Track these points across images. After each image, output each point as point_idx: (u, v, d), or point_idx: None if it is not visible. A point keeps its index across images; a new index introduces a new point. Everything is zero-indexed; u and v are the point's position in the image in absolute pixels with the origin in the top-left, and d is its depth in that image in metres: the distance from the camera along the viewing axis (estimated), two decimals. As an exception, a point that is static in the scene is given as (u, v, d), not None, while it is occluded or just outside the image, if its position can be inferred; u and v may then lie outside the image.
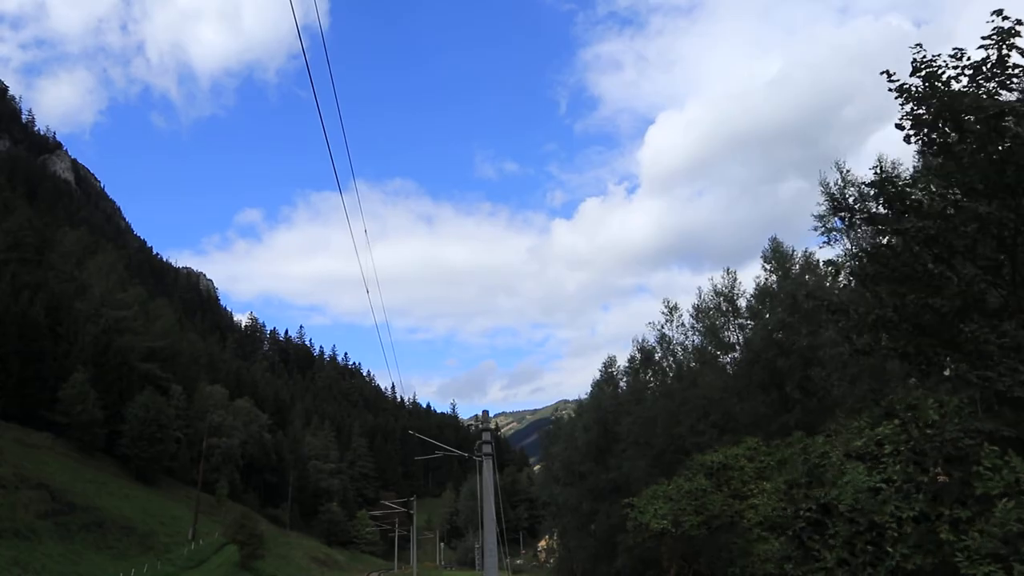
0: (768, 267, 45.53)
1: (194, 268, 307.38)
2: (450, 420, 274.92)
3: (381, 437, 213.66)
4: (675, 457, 54.69)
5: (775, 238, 46.53)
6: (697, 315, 54.37)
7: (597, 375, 74.47)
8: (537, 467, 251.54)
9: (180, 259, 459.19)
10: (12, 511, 49.67)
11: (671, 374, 57.36)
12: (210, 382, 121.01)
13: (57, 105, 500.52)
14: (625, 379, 66.77)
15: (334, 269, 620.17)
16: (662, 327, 57.76)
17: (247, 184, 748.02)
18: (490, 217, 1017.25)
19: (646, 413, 51.11)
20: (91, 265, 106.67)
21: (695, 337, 56.11)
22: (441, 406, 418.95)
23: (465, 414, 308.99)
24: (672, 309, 57.08)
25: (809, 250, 45.28)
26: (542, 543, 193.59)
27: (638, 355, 62.70)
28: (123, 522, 61.93)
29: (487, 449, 30.59)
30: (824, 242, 35.64)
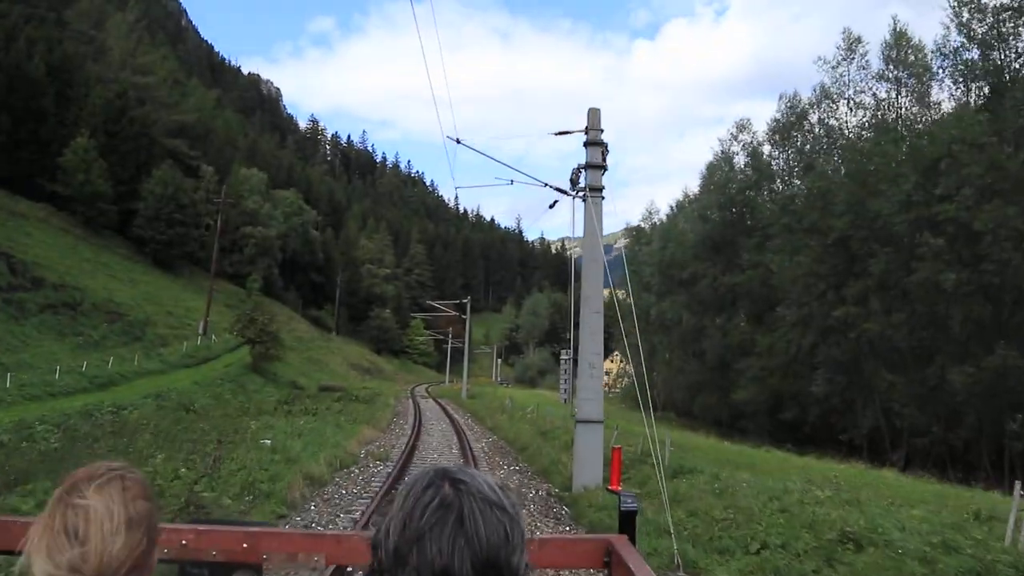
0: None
1: (263, 76, 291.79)
2: (514, 236, 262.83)
3: (441, 246, 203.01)
4: (866, 247, 39.56)
5: None
6: (894, 52, 37.57)
7: (715, 150, 58.60)
8: (606, 291, 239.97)
9: (251, 66, 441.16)
10: (-61, 280, 37.82)
11: (845, 134, 41.24)
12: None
13: None
14: (749, 160, 50.74)
15: (407, 83, 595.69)
16: (836, 65, 41.25)
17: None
18: (569, 35, 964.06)
19: (816, 184, 35.60)
20: (109, 25, 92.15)
21: (879, 85, 39.65)
22: (506, 222, 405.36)
23: (531, 235, 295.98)
24: (853, 43, 40.29)
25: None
26: (607, 364, 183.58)
27: (783, 117, 46.31)
28: (110, 307, 50.46)
29: (595, 179, 16.01)
30: None
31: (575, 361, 17.33)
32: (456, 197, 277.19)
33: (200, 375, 44.93)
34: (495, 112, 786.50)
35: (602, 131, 16.00)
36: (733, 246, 48.90)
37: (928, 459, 34.95)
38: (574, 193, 16.08)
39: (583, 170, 15.94)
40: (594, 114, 15.86)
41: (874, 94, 41.03)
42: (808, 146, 45.28)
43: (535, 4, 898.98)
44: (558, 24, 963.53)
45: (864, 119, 41.30)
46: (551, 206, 16.98)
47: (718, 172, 53.27)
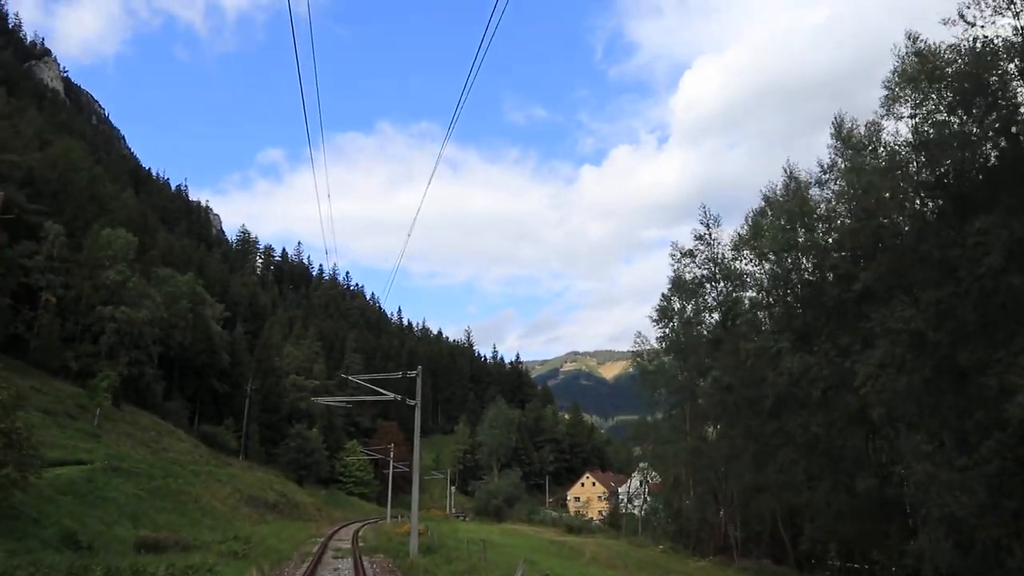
0: None
1: (207, 205, 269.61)
2: (464, 349, 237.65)
3: (381, 357, 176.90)
4: None
5: None
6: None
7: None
8: (564, 413, 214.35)
9: (199, 197, 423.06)
10: None
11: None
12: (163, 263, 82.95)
13: (79, 33, 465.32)
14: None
15: (356, 211, 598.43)
16: None
17: (270, 123, 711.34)
18: (516, 164, 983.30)
19: None
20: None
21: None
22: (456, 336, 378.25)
23: (484, 349, 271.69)
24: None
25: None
26: (576, 490, 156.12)
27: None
28: None
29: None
30: None
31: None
32: (399, 310, 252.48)
33: None
34: (445, 235, 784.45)
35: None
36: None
37: None
38: None
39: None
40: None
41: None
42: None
43: (484, 136, 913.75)
44: (506, 153, 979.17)
45: None
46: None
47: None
